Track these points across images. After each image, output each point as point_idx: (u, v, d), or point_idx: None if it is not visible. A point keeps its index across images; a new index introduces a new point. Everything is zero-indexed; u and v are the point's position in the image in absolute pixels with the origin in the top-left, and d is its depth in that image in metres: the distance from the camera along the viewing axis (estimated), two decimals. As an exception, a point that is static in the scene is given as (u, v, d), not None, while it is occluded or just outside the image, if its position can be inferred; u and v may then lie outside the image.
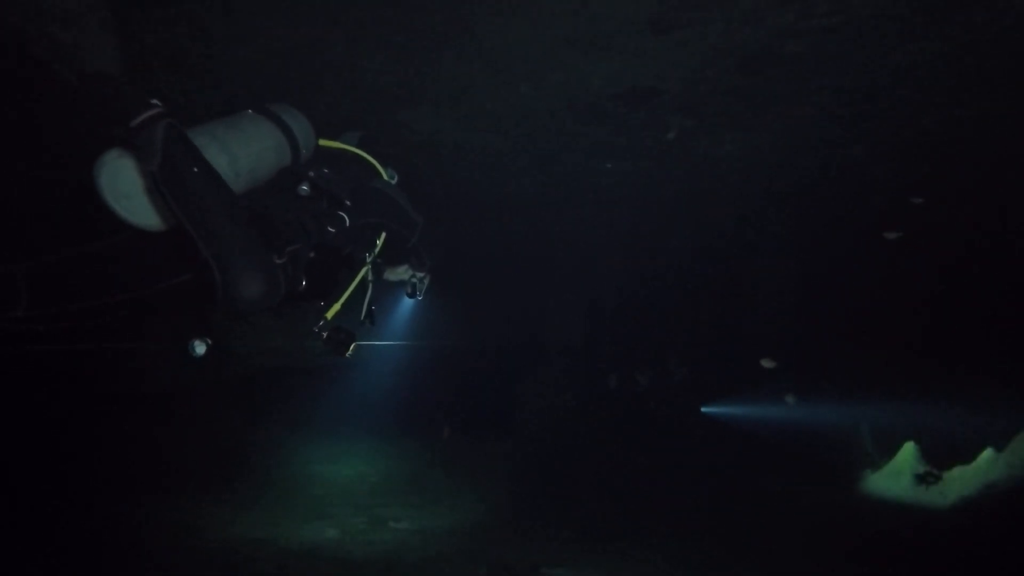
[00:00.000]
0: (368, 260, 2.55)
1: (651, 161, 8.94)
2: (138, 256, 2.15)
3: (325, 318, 2.41)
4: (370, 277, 2.59)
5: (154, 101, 1.82)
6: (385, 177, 2.75)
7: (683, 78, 6.86)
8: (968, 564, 6.40)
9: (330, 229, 2.34)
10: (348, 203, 2.39)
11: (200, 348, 2.11)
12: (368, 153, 2.73)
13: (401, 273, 3.12)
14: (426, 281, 3.14)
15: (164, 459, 7.68)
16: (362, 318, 2.65)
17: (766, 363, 10.76)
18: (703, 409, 11.95)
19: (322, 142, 2.58)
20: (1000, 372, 8.95)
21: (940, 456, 9.40)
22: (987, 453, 8.68)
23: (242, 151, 2.13)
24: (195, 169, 1.78)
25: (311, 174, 2.34)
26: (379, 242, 2.64)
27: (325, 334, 2.42)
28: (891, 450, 9.82)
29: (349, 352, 2.39)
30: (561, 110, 7.36)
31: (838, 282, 11.05)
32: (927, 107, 7.63)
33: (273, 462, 8.51)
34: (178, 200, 1.74)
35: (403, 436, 9.71)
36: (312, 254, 2.27)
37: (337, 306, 2.44)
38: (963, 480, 8.60)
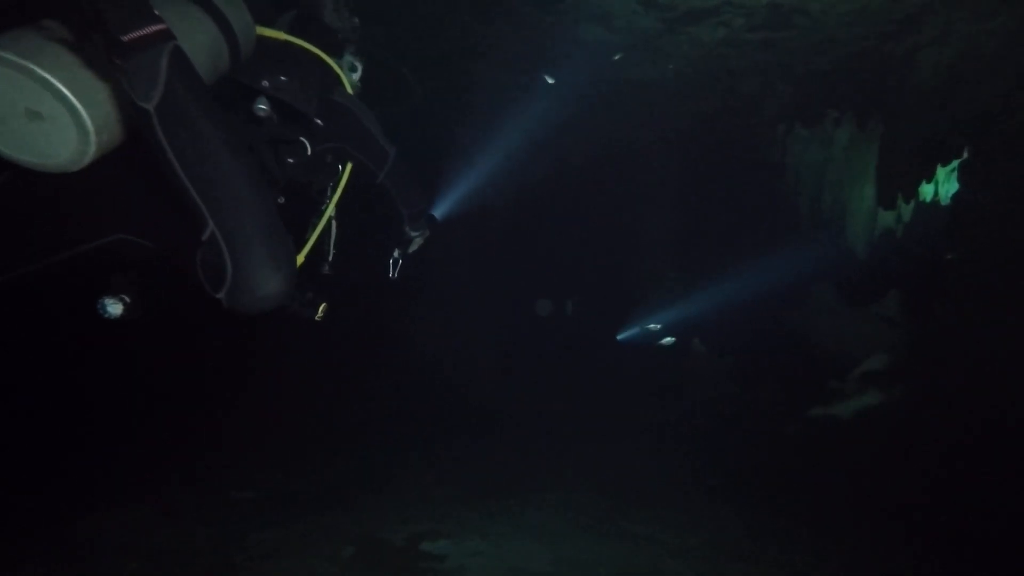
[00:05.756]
0: (331, 196, 2.10)
1: (557, 76, 7.98)
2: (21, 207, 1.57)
3: None
4: (333, 213, 2.12)
5: (156, 12, 1.35)
6: (348, 85, 2.15)
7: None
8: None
9: (289, 160, 1.91)
10: (319, 122, 1.91)
11: (115, 308, 1.66)
12: (321, 47, 2.07)
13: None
14: (421, 239, 2.56)
15: None
16: (328, 268, 2.20)
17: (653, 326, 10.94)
18: (618, 337, 11.50)
19: (260, 31, 1.92)
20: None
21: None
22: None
23: None
24: (202, 111, 1.40)
25: (265, 84, 1.80)
26: (344, 172, 2.13)
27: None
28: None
29: (320, 314, 1.96)
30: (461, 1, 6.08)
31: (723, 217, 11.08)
32: (830, 40, 7.36)
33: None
34: (183, 153, 1.36)
35: (250, 380, 7.84)
36: (281, 199, 1.92)
37: (301, 256, 1.92)
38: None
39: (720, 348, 10.28)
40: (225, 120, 1.47)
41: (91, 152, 1.38)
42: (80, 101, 1.32)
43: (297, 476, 6.11)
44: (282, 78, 1.83)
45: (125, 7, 1.30)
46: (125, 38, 1.28)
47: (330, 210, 2.08)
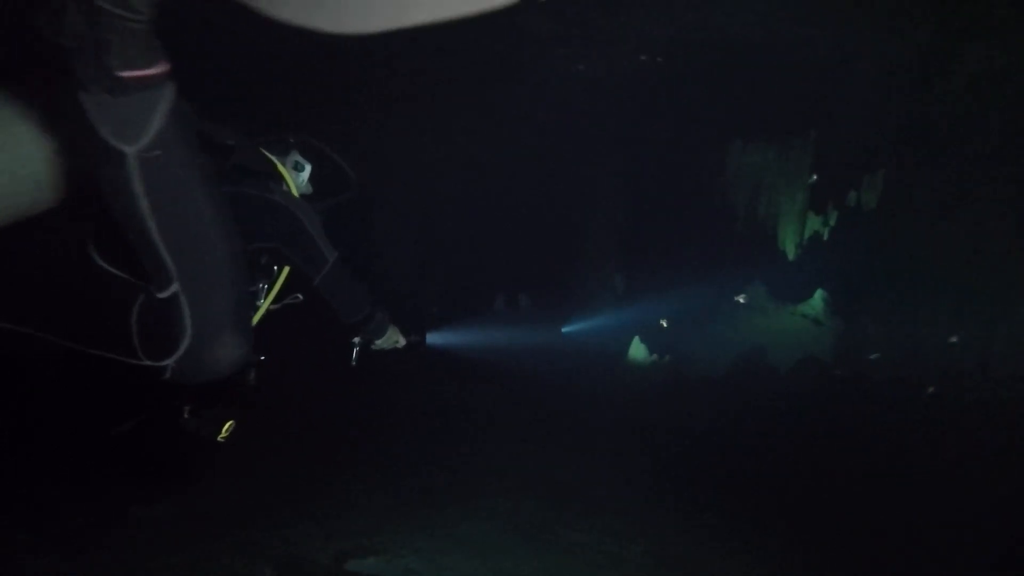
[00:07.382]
0: (264, 298, 2.01)
1: (503, 73, 7.71)
2: None
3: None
4: (266, 312, 2.03)
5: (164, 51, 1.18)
6: (292, 187, 2.09)
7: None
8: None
9: None
10: (230, 142, 1.80)
11: None
12: (264, 146, 2.09)
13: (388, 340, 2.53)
14: (385, 345, 2.48)
15: None
16: (253, 378, 2.01)
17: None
18: (563, 330, 11.32)
19: None
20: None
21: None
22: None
23: None
24: (190, 163, 1.26)
25: None
26: (280, 274, 2.05)
27: (186, 411, 1.79)
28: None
29: (223, 434, 1.83)
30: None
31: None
32: (771, 43, 7.47)
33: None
34: (159, 203, 1.21)
35: (148, 375, 7.08)
36: None
37: None
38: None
39: (659, 349, 10.40)
40: (211, 176, 1.36)
41: None
42: None
43: (208, 488, 5.57)
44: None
45: (135, 41, 1.10)
46: (124, 75, 1.10)
47: (261, 312, 1.99)
